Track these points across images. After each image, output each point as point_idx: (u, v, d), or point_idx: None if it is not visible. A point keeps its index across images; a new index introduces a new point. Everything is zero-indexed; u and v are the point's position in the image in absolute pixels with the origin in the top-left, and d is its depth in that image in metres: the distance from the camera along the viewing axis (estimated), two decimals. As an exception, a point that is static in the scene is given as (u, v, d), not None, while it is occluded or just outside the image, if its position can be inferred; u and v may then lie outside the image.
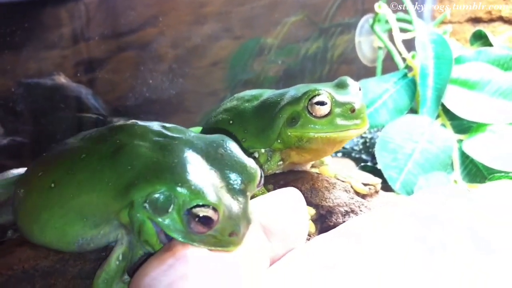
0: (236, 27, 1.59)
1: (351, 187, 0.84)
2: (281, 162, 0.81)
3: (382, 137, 1.09)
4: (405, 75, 1.25)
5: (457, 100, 1.14)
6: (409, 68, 1.27)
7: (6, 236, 0.73)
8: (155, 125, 0.67)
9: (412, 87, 1.21)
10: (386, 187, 0.98)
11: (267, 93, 0.86)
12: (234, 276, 0.53)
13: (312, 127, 0.76)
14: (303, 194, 0.68)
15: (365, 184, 0.85)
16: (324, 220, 0.77)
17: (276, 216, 0.63)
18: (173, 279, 0.51)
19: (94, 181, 0.60)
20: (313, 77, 1.75)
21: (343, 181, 0.84)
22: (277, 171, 0.84)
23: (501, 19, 1.70)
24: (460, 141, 1.10)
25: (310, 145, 0.78)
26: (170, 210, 0.54)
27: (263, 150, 0.81)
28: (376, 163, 1.11)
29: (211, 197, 0.54)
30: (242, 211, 0.56)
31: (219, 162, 0.60)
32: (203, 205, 0.53)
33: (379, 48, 1.56)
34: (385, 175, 1.04)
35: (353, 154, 1.37)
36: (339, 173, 0.86)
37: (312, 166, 0.89)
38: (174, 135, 0.64)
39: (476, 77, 1.15)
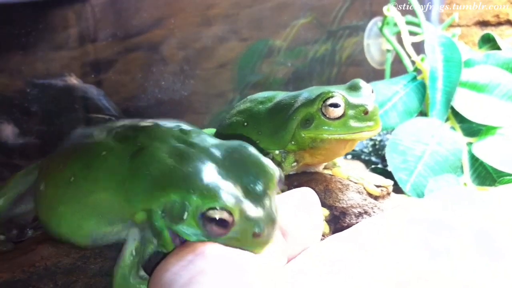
0: (244, 29, 1.60)
1: (364, 188, 0.84)
2: (295, 164, 0.82)
3: (392, 140, 1.09)
4: (414, 78, 1.25)
5: (466, 103, 1.14)
6: (418, 71, 1.28)
7: (26, 236, 0.75)
8: (175, 128, 0.68)
9: (422, 90, 1.21)
10: (396, 189, 0.98)
11: (280, 95, 0.87)
12: (251, 272, 0.54)
13: (326, 129, 0.77)
14: (317, 195, 0.69)
15: (377, 186, 0.85)
16: (338, 221, 0.78)
17: (292, 216, 0.64)
18: (192, 274, 0.52)
19: (111, 180, 0.61)
20: (322, 79, 1.75)
21: (356, 183, 0.85)
22: (290, 173, 0.85)
23: (508, 22, 1.70)
24: (469, 144, 1.10)
25: (323, 146, 0.79)
26: (185, 217, 0.55)
27: (277, 152, 0.82)
28: (386, 165, 1.12)
29: (223, 200, 0.55)
30: (263, 211, 0.57)
31: (237, 166, 0.60)
32: (216, 208, 0.54)
33: (388, 50, 1.57)
34: (395, 177, 1.04)
35: (362, 157, 1.38)
36: (351, 174, 0.86)
37: (325, 168, 0.90)
38: (194, 140, 0.65)
39: (485, 80, 1.15)
